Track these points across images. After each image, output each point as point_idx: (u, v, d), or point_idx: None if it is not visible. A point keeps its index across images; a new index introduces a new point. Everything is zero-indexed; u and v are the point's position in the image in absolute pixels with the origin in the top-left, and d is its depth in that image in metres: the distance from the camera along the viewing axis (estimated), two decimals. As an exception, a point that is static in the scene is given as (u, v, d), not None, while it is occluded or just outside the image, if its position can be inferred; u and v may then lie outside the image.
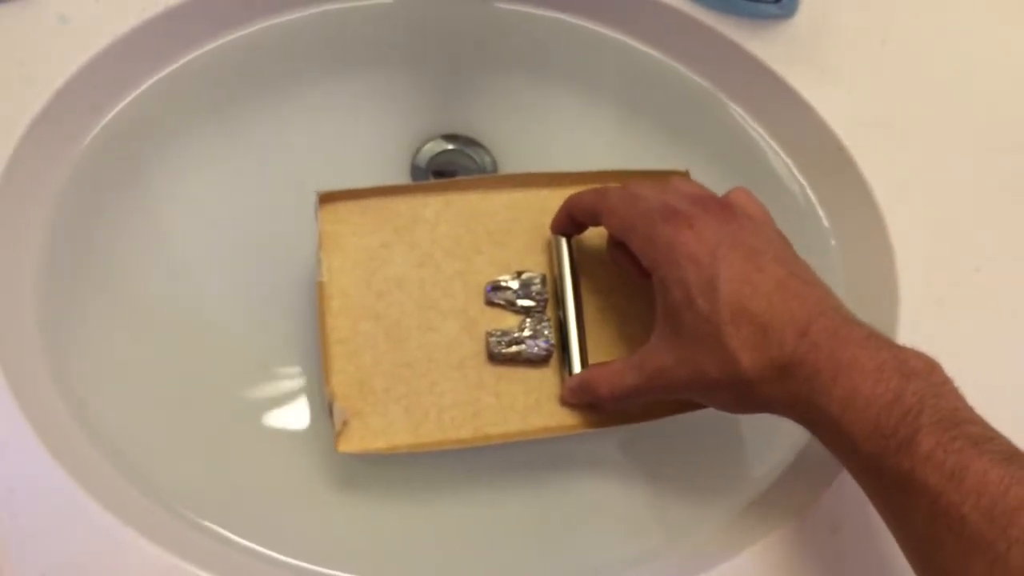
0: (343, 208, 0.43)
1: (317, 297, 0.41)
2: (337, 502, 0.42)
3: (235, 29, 0.50)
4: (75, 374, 0.42)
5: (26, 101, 0.43)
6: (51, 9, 0.45)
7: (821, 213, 0.51)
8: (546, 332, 0.43)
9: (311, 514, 0.42)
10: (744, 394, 0.36)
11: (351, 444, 0.40)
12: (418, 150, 0.50)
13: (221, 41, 0.49)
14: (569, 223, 0.42)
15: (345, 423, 0.40)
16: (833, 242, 0.50)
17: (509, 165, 0.50)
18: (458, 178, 0.47)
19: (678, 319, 0.37)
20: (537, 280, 0.43)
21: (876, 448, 0.32)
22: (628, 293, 0.44)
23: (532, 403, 0.42)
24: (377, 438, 0.40)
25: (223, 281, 0.46)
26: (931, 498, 0.31)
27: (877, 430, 0.32)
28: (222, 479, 0.42)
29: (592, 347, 0.43)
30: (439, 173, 0.50)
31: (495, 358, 0.42)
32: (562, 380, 0.42)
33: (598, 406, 0.41)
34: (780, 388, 0.35)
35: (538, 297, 0.43)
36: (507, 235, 0.44)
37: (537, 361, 0.42)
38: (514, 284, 0.43)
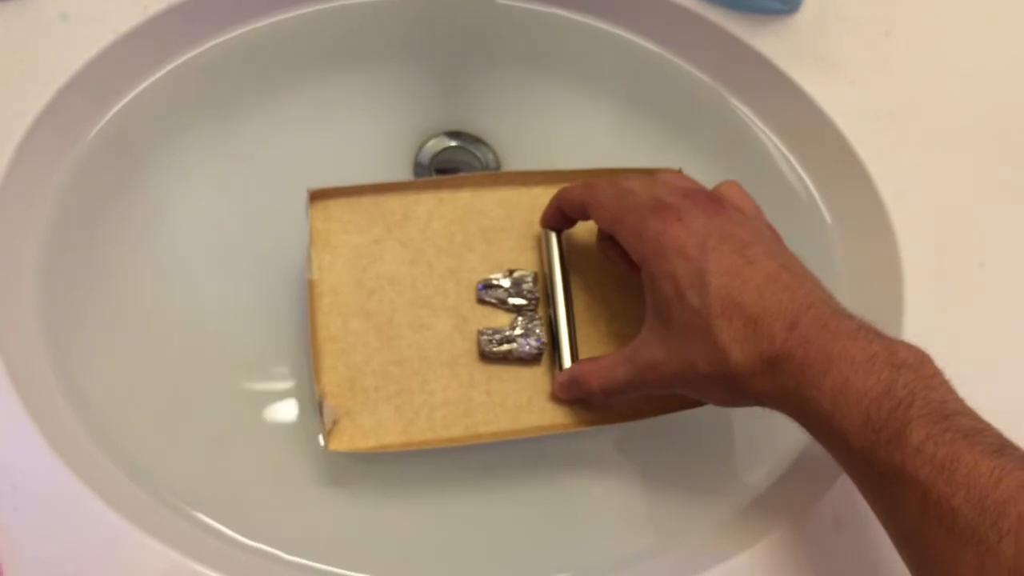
0: (334, 205, 0.44)
1: (307, 295, 0.42)
2: (330, 498, 0.42)
3: (236, 26, 0.51)
4: (77, 370, 0.42)
5: (28, 99, 0.44)
6: (52, 7, 0.46)
7: (824, 208, 0.51)
8: (537, 331, 0.43)
9: (306, 510, 0.42)
10: (734, 387, 0.36)
11: (341, 443, 0.41)
12: (421, 147, 0.51)
13: (223, 38, 0.50)
14: (559, 217, 0.43)
15: (335, 422, 0.41)
16: (836, 237, 0.50)
17: (512, 162, 0.51)
18: (450, 176, 0.48)
19: (668, 313, 0.37)
20: (529, 278, 0.44)
21: (867, 441, 0.33)
22: (618, 287, 0.44)
23: (523, 402, 0.42)
24: (367, 437, 0.41)
25: (223, 278, 0.47)
26: (922, 490, 0.31)
27: (868, 423, 0.33)
28: (219, 475, 0.42)
29: (582, 342, 0.43)
30: (442, 170, 0.51)
31: (486, 356, 0.43)
32: (552, 376, 0.43)
33: (589, 401, 0.42)
34: (770, 381, 0.35)
35: (530, 296, 0.44)
36: (499, 233, 0.45)
37: (528, 360, 0.43)
38: (506, 282, 0.44)
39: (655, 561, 0.42)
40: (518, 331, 0.43)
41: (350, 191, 0.44)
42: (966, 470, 0.30)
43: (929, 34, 0.52)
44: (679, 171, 0.45)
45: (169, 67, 0.49)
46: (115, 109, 0.48)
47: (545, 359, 0.43)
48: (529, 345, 0.43)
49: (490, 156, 0.51)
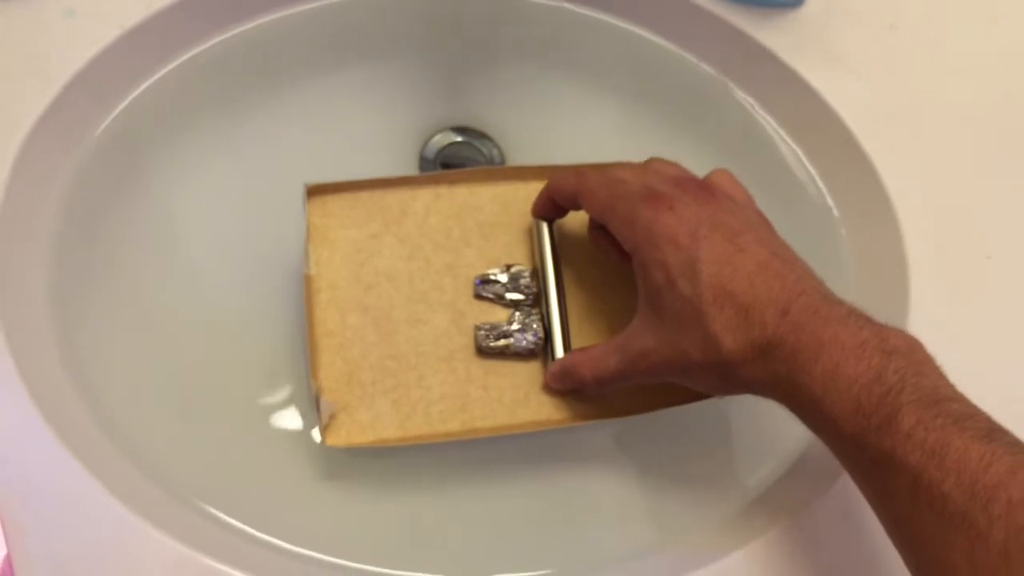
0: (331, 201, 0.45)
1: (304, 290, 0.43)
2: (331, 491, 0.43)
3: (242, 22, 0.52)
4: (86, 365, 0.43)
5: (34, 95, 0.45)
6: (58, 3, 0.47)
7: (830, 202, 0.51)
8: (534, 326, 0.44)
9: (308, 502, 0.43)
10: (726, 375, 0.36)
11: (338, 437, 0.42)
12: (426, 142, 0.52)
13: (228, 34, 0.51)
14: (550, 207, 0.44)
15: (332, 416, 0.42)
16: (843, 231, 0.51)
17: (517, 157, 0.52)
18: (447, 171, 0.49)
19: (659, 301, 0.38)
20: (526, 274, 0.45)
21: (857, 427, 0.33)
22: (610, 276, 0.45)
23: (520, 397, 0.43)
24: (364, 431, 0.42)
25: (228, 274, 0.48)
26: (912, 476, 0.31)
27: (858, 409, 0.33)
28: (225, 468, 0.43)
29: (575, 331, 0.44)
30: (447, 165, 0.52)
31: (483, 352, 0.43)
32: (545, 366, 0.43)
33: (582, 391, 0.42)
34: (762, 368, 0.35)
35: (527, 291, 0.44)
36: (496, 228, 0.46)
37: (525, 355, 0.43)
38: (503, 277, 0.45)
39: (655, 558, 0.42)
40: (515, 326, 0.44)
41: (347, 186, 0.45)
42: (956, 455, 0.31)
43: (934, 27, 0.53)
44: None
45: (173, 64, 0.50)
46: (122, 105, 0.49)
47: (542, 354, 0.44)
48: (526, 340, 0.43)
49: (495, 151, 0.52)
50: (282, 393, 0.45)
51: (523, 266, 0.45)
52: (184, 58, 0.50)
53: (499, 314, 0.44)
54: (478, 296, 0.45)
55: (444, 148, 0.52)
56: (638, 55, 0.55)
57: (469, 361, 0.44)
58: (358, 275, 0.44)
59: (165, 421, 0.44)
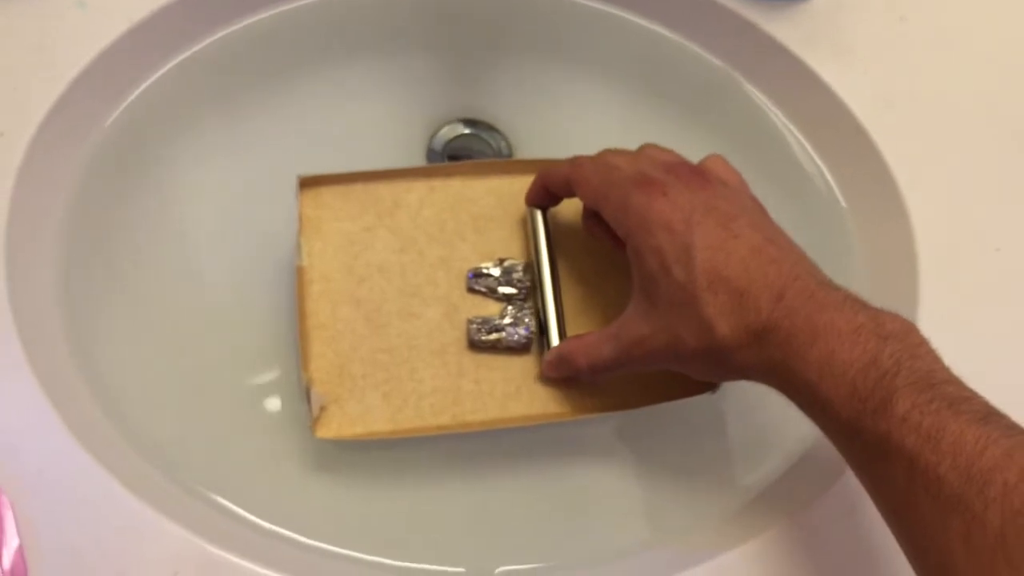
0: (325, 193, 0.45)
1: (296, 281, 0.44)
2: (328, 482, 0.43)
3: (252, 14, 0.52)
4: (95, 357, 0.44)
5: (46, 87, 0.46)
6: None
7: (839, 194, 0.51)
8: (527, 320, 0.44)
9: (307, 492, 0.43)
10: (721, 361, 0.36)
11: (329, 430, 0.42)
12: (434, 134, 0.53)
13: (237, 26, 0.52)
14: (544, 194, 0.44)
15: (323, 408, 0.42)
16: (851, 222, 0.51)
17: (525, 149, 0.52)
18: (442, 164, 0.49)
19: (654, 288, 0.38)
20: (519, 267, 0.45)
21: (853, 411, 0.33)
22: (604, 264, 0.45)
23: (512, 391, 0.43)
24: (355, 424, 0.42)
25: (235, 267, 0.48)
26: (908, 460, 0.31)
27: (854, 393, 0.33)
28: (231, 458, 0.44)
29: (570, 320, 0.44)
30: (454, 157, 0.52)
31: (475, 345, 0.44)
32: (540, 355, 0.43)
33: (577, 379, 0.42)
34: (757, 354, 0.35)
35: (520, 285, 0.45)
36: (490, 222, 0.46)
37: (518, 349, 0.44)
38: (496, 271, 0.45)
39: (653, 554, 0.42)
40: (507, 320, 0.44)
41: (341, 179, 0.46)
42: (952, 438, 0.30)
43: (945, 19, 0.53)
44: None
45: (185, 55, 0.51)
46: (132, 96, 0.49)
47: (534, 348, 0.44)
48: (518, 334, 0.44)
49: (503, 144, 0.53)
50: (287, 387, 0.45)
51: (516, 260, 0.45)
52: (192, 51, 0.51)
53: (492, 308, 0.45)
54: (471, 290, 0.45)
55: (452, 140, 0.53)
56: (647, 48, 0.55)
57: (461, 355, 0.44)
58: (351, 267, 0.45)
59: (175, 412, 0.44)
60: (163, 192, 0.49)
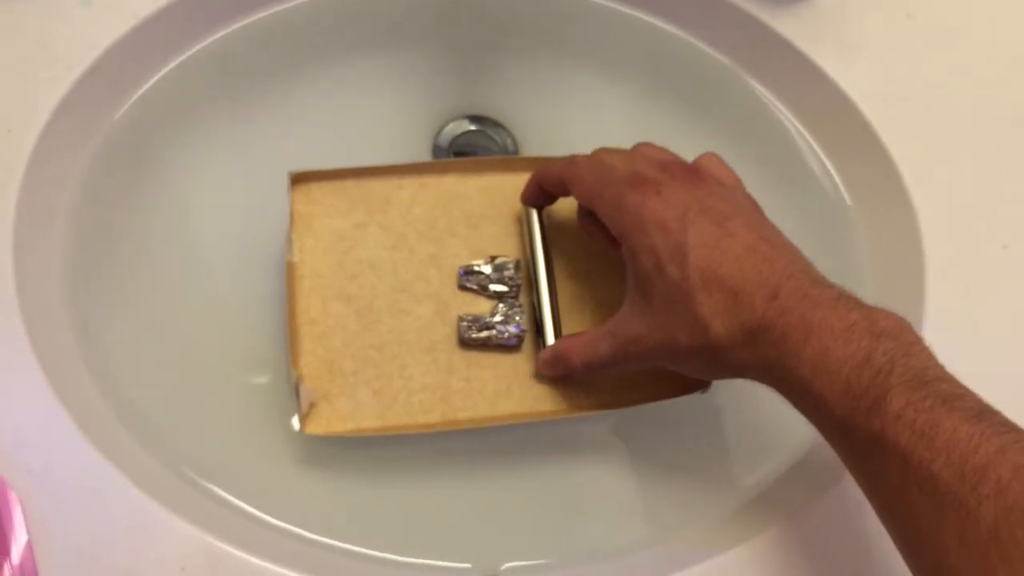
0: (316, 189, 0.46)
1: (287, 277, 0.44)
2: (326, 478, 0.44)
3: (257, 10, 0.53)
4: (104, 354, 0.44)
5: (51, 84, 0.46)
6: None
7: (845, 192, 0.52)
8: (517, 318, 0.44)
9: (309, 487, 0.43)
10: (715, 359, 0.37)
11: (318, 426, 0.42)
12: (440, 130, 0.53)
13: (243, 22, 0.52)
14: (539, 193, 0.44)
15: (312, 405, 0.42)
16: (857, 219, 0.51)
17: (530, 146, 0.53)
18: (434, 161, 0.49)
19: (648, 286, 0.38)
20: (511, 265, 0.45)
21: (847, 409, 0.33)
22: (599, 263, 0.45)
23: (502, 389, 0.43)
24: (344, 421, 0.42)
25: (240, 264, 0.48)
26: (902, 457, 0.31)
27: (848, 391, 0.33)
28: (237, 454, 0.44)
29: (565, 318, 0.44)
30: (460, 153, 0.52)
31: (466, 343, 0.44)
32: (536, 353, 0.44)
33: (573, 377, 0.42)
34: (751, 352, 0.36)
35: (511, 282, 0.45)
36: (482, 219, 0.46)
37: (508, 346, 0.44)
38: (487, 269, 0.45)
39: (651, 552, 0.42)
40: (498, 318, 0.44)
41: (332, 174, 0.46)
42: (946, 436, 0.31)
43: (951, 15, 0.53)
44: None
45: (190, 52, 0.51)
46: (138, 93, 0.50)
47: (525, 346, 0.44)
48: (508, 332, 0.44)
49: (508, 140, 0.53)
50: (285, 379, 0.45)
51: (508, 257, 0.45)
52: (198, 47, 0.51)
53: (483, 305, 0.45)
54: (462, 287, 0.45)
55: (458, 137, 0.53)
56: (652, 44, 0.56)
57: (451, 352, 0.44)
58: (342, 264, 0.45)
59: (182, 408, 0.44)
60: (168, 189, 0.49)
